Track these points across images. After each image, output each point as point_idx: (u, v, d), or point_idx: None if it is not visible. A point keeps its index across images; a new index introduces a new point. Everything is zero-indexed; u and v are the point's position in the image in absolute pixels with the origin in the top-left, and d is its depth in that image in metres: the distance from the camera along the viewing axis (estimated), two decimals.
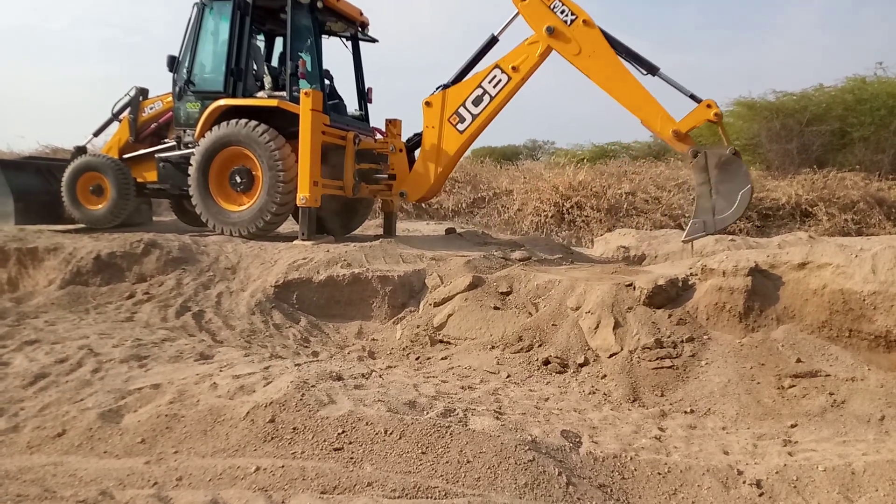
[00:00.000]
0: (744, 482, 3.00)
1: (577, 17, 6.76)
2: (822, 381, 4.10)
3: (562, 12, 6.80)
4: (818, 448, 3.39)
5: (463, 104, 7.38)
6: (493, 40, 7.37)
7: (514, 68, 7.14)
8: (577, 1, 6.86)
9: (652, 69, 6.79)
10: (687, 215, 12.69)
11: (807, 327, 4.56)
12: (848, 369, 4.17)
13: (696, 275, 5.06)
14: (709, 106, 6.50)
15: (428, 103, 7.52)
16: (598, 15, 6.70)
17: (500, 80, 7.23)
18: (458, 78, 7.49)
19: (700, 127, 7.17)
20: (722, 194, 6.36)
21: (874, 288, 4.39)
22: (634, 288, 4.97)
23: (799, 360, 4.26)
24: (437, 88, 7.53)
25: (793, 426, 3.76)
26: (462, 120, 7.41)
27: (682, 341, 4.57)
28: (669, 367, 4.40)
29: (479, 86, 7.30)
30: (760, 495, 2.94)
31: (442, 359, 5.06)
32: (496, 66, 7.23)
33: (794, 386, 4.09)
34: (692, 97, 6.64)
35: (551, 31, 6.81)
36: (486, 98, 7.30)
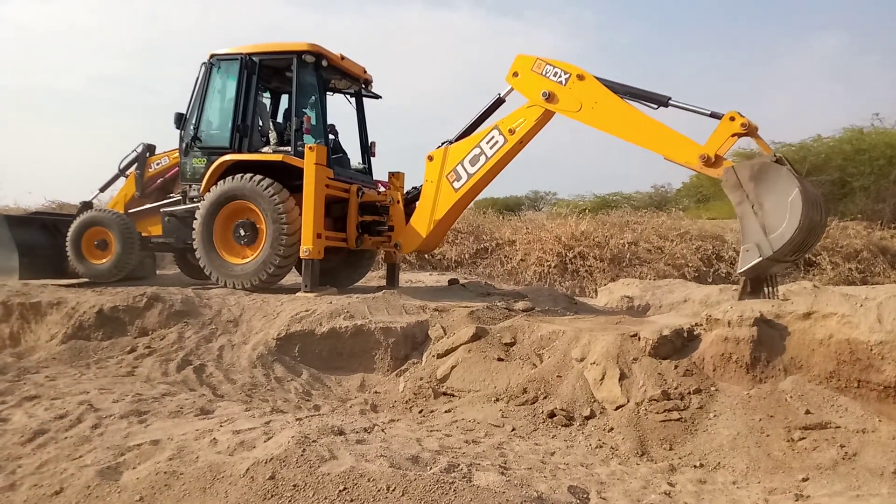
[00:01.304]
0: None
1: (570, 75, 6.71)
2: (833, 433, 4.02)
3: (554, 75, 6.78)
4: (831, 502, 3.30)
5: (461, 162, 7.39)
6: (499, 101, 7.39)
7: (510, 131, 7.12)
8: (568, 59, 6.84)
9: (661, 101, 6.41)
10: (690, 265, 12.70)
11: (814, 378, 4.51)
12: (858, 421, 4.10)
13: (702, 325, 5.03)
14: (732, 119, 5.81)
15: (430, 157, 7.59)
16: (595, 68, 6.73)
17: (496, 142, 7.20)
18: (462, 135, 7.54)
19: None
20: (768, 209, 5.26)
21: (881, 338, 4.36)
22: (639, 338, 4.94)
23: (808, 412, 4.20)
24: (441, 144, 7.61)
25: (804, 480, 3.67)
26: (458, 178, 7.41)
27: (689, 393, 4.51)
28: (677, 420, 4.33)
29: (478, 145, 7.30)
30: None
31: (445, 412, 5.00)
32: (495, 126, 7.25)
33: (804, 438, 4.02)
34: (713, 115, 6.01)
35: (547, 97, 6.79)
36: (483, 158, 7.27)
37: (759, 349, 4.65)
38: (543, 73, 6.85)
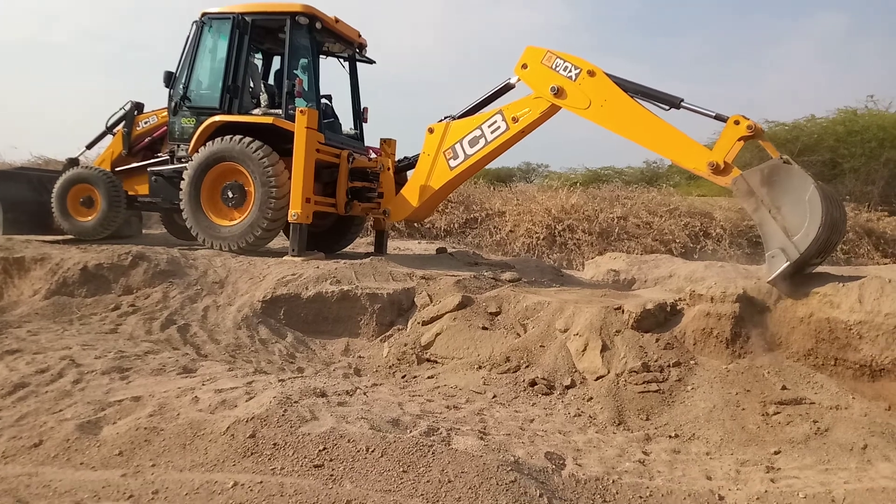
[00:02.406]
0: None
1: (581, 70, 6.43)
2: (807, 409, 4.09)
3: (564, 69, 6.55)
4: (800, 475, 3.37)
5: (460, 141, 7.25)
6: (508, 86, 7.22)
7: (514, 119, 6.95)
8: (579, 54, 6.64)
9: (673, 102, 6.16)
10: (677, 241, 12.76)
11: (793, 355, 4.58)
12: (832, 397, 4.18)
13: (685, 300, 5.07)
14: (737, 122, 5.61)
15: (431, 130, 7.46)
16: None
17: (498, 127, 7.04)
18: (467, 113, 7.39)
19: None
20: (786, 211, 4.97)
21: (860, 317, 4.42)
22: (623, 311, 4.97)
23: (784, 388, 4.27)
24: (444, 118, 7.48)
25: (776, 453, 3.75)
26: (455, 156, 7.29)
27: (668, 366, 4.56)
28: (655, 392, 4.39)
29: (479, 127, 7.15)
30: None
31: (428, 378, 5.04)
32: (500, 111, 7.08)
33: (778, 413, 4.09)
34: (717, 117, 5.83)
35: (555, 91, 6.56)
36: (482, 141, 7.13)
37: (740, 325, 4.70)
38: (553, 66, 6.61)
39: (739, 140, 5.63)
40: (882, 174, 15.99)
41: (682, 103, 6.11)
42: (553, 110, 6.83)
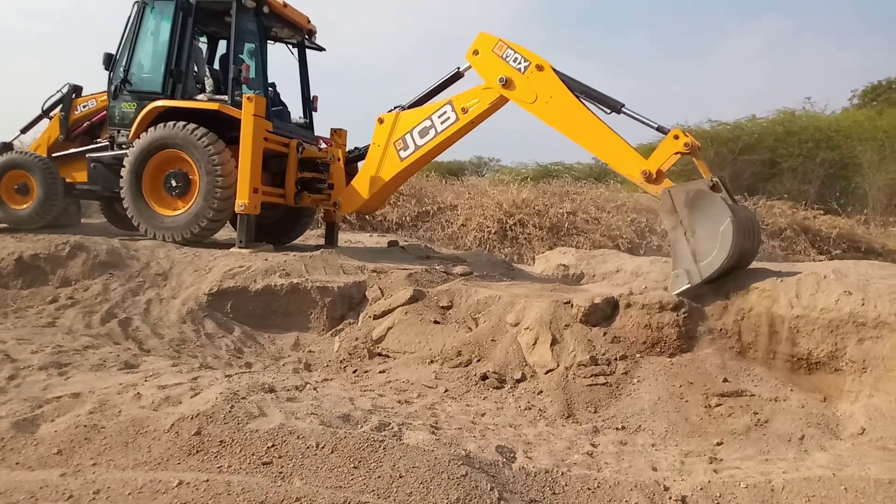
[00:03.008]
0: (670, 498, 3.07)
1: (530, 63, 6.49)
2: (747, 401, 4.24)
3: (514, 60, 6.55)
4: (742, 466, 3.49)
5: (411, 131, 7.18)
6: (457, 74, 7.16)
7: (463, 109, 6.92)
8: (531, 47, 6.58)
9: (614, 107, 6.27)
10: (624, 236, 13.03)
11: (733, 348, 4.73)
12: (771, 390, 4.34)
13: (627, 304, 5.14)
14: (676, 137, 5.78)
15: (381, 120, 7.36)
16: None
17: (448, 118, 7.00)
18: (416, 103, 7.32)
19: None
20: (700, 236, 5.18)
21: (798, 312, 4.60)
22: (572, 306, 5.05)
23: (726, 380, 4.41)
24: (393, 108, 7.39)
25: (718, 444, 3.87)
26: (406, 147, 7.22)
27: (615, 359, 4.66)
28: (603, 384, 4.47)
29: (429, 117, 7.08)
30: None
31: (380, 372, 5.01)
32: (449, 101, 7.03)
33: (720, 405, 4.22)
34: (659, 129, 6.02)
35: (504, 82, 6.56)
36: (432, 132, 7.07)
37: (686, 323, 4.84)
38: (504, 56, 6.61)
39: (675, 154, 5.80)
40: (818, 174, 16.69)
41: (623, 108, 6.25)
42: (502, 101, 6.83)
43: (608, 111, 6.32)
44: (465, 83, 7.20)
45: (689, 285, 5.13)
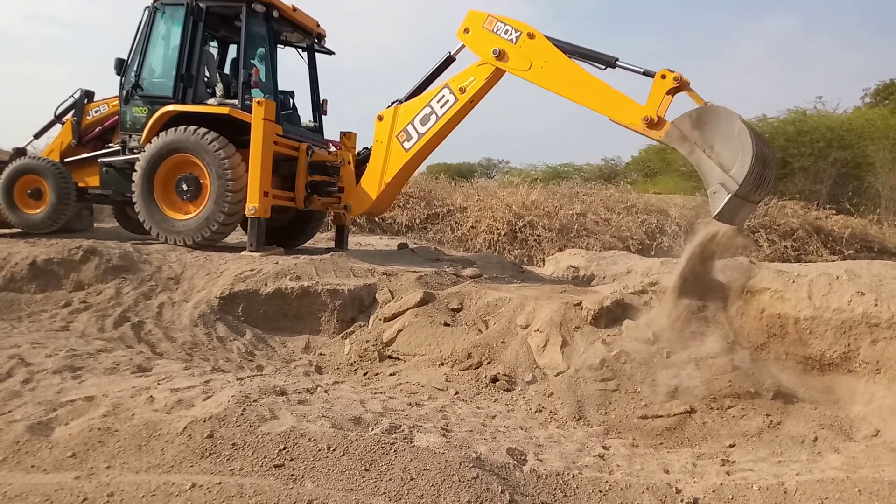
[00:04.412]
0: (681, 500, 3.05)
1: (521, 33, 6.59)
2: (760, 403, 4.21)
3: (505, 32, 6.65)
4: (754, 468, 3.47)
5: (411, 122, 7.23)
6: (449, 59, 7.27)
7: (461, 89, 6.99)
8: (520, 17, 6.78)
9: (608, 62, 6.33)
10: (634, 237, 12.99)
11: (746, 349, 4.70)
12: (784, 391, 4.30)
13: (643, 293, 5.15)
14: (663, 76, 5.83)
15: (380, 117, 7.41)
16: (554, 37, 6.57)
17: (447, 101, 7.07)
18: (412, 94, 7.38)
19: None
20: (718, 149, 5.23)
21: (810, 313, 4.56)
22: (582, 307, 5.03)
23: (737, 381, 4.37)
24: (391, 103, 7.44)
25: (731, 446, 3.85)
26: (409, 138, 7.26)
27: (626, 362, 4.63)
28: (614, 389, 4.45)
29: (428, 104, 7.16)
30: None
31: (390, 375, 5.02)
32: (445, 85, 7.12)
33: (733, 406, 4.19)
34: (645, 73, 6.05)
35: (497, 54, 6.66)
36: (434, 118, 7.13)
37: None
38: (494, 30, 6.71)
39: (668, 94, 5.84)
40: (830, 174, 16.55)
41: (618, 62, 6.30)
42: (497, 75, 6.90)
43: (602, 67, 6.38)
44: (458, 66, 7.30)
45: (729, 195, 5.06)
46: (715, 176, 5.22)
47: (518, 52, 6.59)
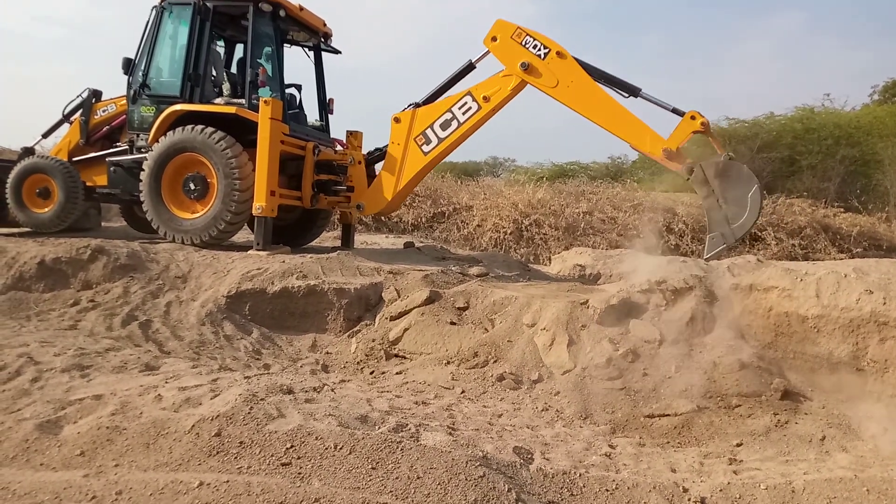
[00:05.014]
0: (689, 499, 3.05)
1: (550, 50, 6.67)
2: (768, 402, 4.19)
3: (534, 47, 6.72)
4: (762, 467, 3.46)
5: (431, 126, 7.27)
6: (469, 67, 7.27)
7: (485, 98, 7.04)
8: (548, 34, 6.81)
9: (633, 91, 6.63)
10: (641, 236, 12.94)
11: (754, 348, 4.68)
12: (792, 390, 4.29)
13: (650, 292, 5.14)
14: (693, 117, 6.25)
15: (397, 119, 7.42)
16: (561, 39, 6.64)
17: (469, 108, 7.12)
18: (431, 98, 7.40)
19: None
20: (731, 202, 5.92)
21: (818, 311, 4.55)
22: (589, 306, 5.03)
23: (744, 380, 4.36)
24: (408, 106, 7.44)
25: (738, 445, 3.84)
26: (428, 142, 7.30)
27: (633, 361, 4.62)
28: (621, 388, 4.45)
29: (450, 110, 7.20)
30: None
31: (397, 373, 5.02)
32: (468, 92, 7.14)
33: (740, 405, 4.18)
34: (674, 111, 6.43)
35: (526, 67, 6.72)
36: (454, 124, 7.19)
37: (704, 320, 4.80)
38: (523, 43, 6.77)
39: (693, 133, 6.33)
40: (838, 171, 16.45)
41: (641, 93, 6.62)
42: (521, 87, 6.97)
43: (626, 95, 6.67)
44: (478, 74, 7.34)
45: (724, 245, 5.97)
46: (719, 224, 5.99)
47: (546, 68, 6.70)
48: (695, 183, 6.18)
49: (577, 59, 6.67)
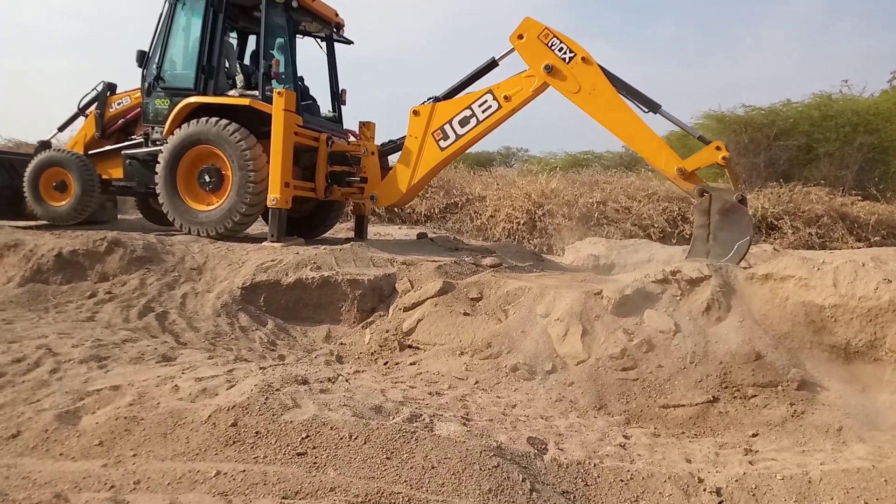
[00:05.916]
0: (704, 490, 3.04)
1: (575, 55, 6.63)
2: (784, 391, 4.16)
3: (560, 50, 6.67)
4: (778, 457, 3.44)
5: (450, 121, 7.25)
6: (492, 64, 7.23)
7: (506, 97, 7.01)
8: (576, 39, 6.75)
9: (653, 106, 6.62)
10: (656, 225, 12.87)
11: (770, 338, 4.64)
12: (809, 380, 4.25)
13: (665, 282, 5.11)
14: (718, 148, 6.27)
15: (416, 112, 7.40)
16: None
17: (490, 107, 7.09)
18: (451, 94, 7.38)
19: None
20: (719, 241, 6.00)
21: (835, 301, 4.49)
22: (603, 296, 5.01)
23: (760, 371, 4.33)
24: (427, 99, 7.42)
25: (754, 435, 3.82)
26: (446, 137, 7.29)
27: (647, 351, 4.60)
28: (635, 378, 4.43)
29: (469, 107, 7.17)
30: (720, 503, 2.98)
31: (410, 364, 5.04)
32: (489, 90, 7.11)
33: (756, 395, 4.16)
34: (700, 139, 6.56)
35: (549, 70, 6.68)
36: (474, 121, 7.16)
37: (719, 310, 4.76)
38: (550, 44, 6.72)
39: (712, 162, 6.40)
40: (856, 159, 16.21)
41: (661, 110, 6.62)
42: (543, 88, 6.94)
43: (646, 110, 6.63)
44: (500, 72, 7.31)
45: (693, 262, 5.75)
46: (697, 254, 6.09)
47: (570, 72, 6.67)
48: (697, 209, 6.26)
49: (602, 68, 6.62)
